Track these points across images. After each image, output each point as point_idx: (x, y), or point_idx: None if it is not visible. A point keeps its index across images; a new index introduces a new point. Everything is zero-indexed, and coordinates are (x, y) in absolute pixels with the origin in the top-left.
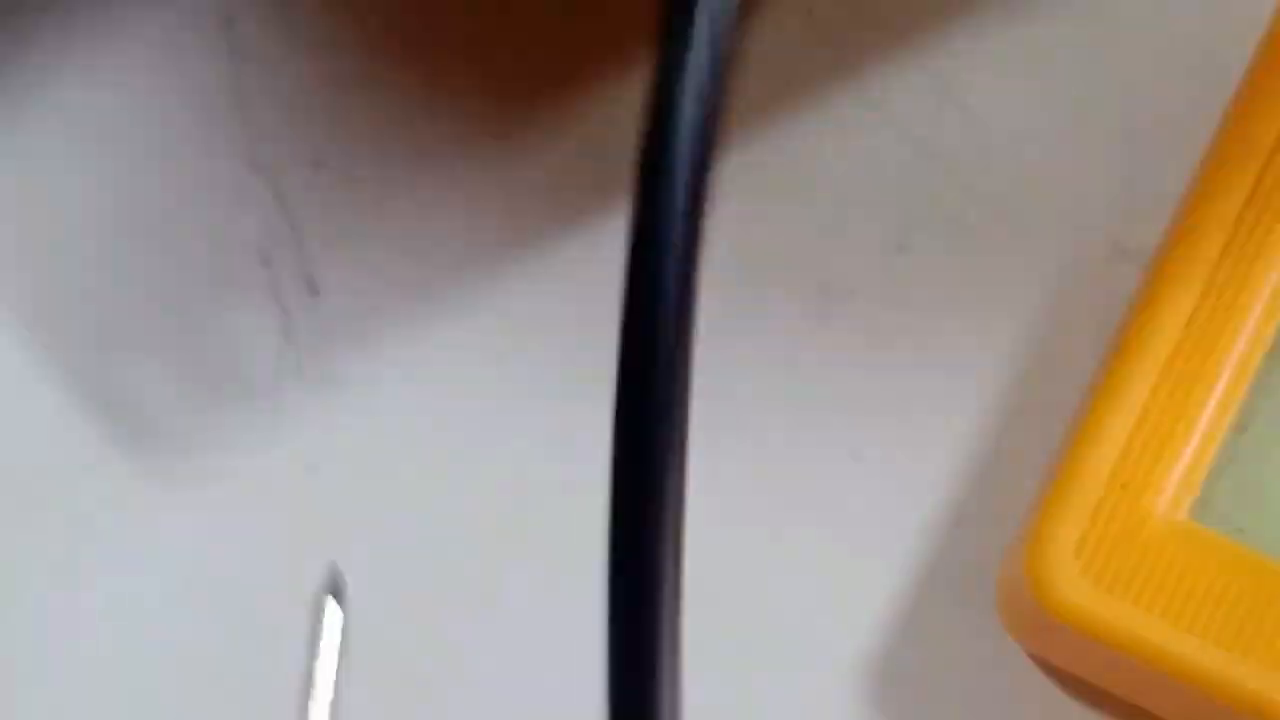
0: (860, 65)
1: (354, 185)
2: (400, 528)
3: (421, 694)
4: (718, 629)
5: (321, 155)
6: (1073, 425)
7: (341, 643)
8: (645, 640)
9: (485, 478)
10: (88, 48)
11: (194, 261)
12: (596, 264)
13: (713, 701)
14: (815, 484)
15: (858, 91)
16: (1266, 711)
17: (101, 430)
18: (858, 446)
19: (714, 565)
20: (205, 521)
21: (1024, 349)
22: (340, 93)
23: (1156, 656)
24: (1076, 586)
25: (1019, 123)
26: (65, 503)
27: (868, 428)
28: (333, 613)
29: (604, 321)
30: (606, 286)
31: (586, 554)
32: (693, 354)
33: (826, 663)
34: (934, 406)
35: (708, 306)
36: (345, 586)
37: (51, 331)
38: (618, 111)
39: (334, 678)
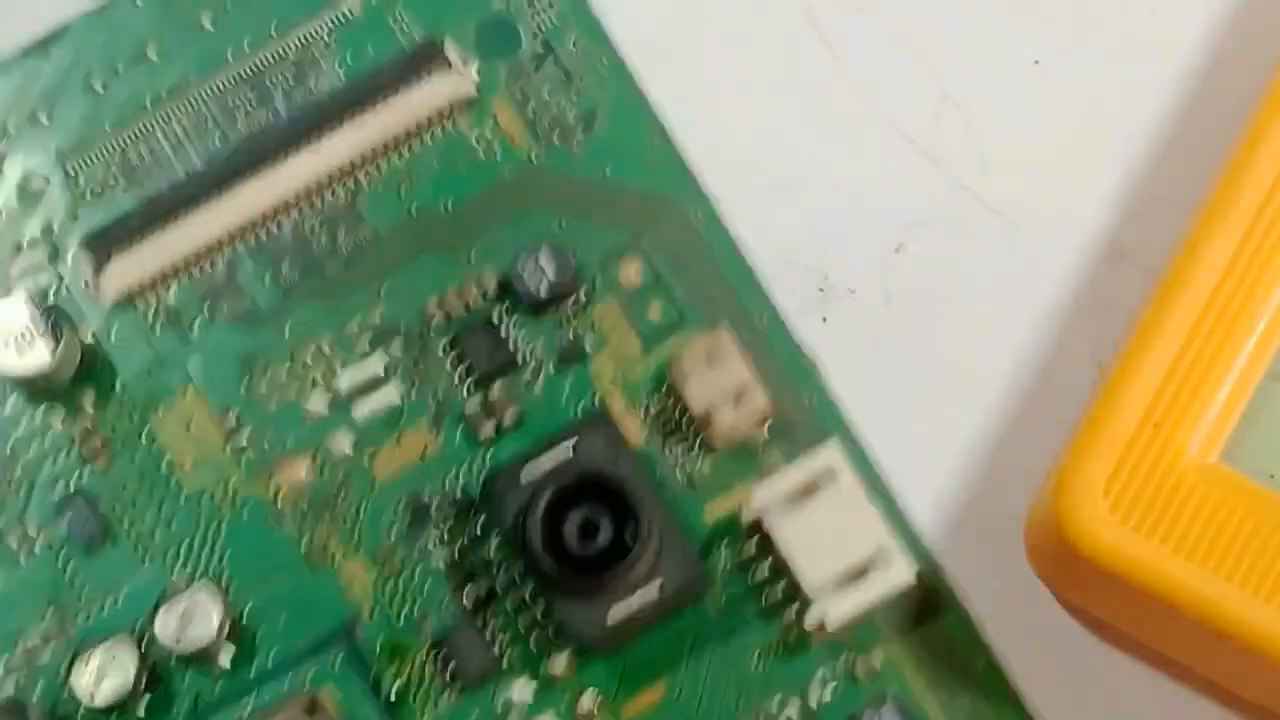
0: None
1: None
2: None
3: None
4: None
5: None
6: (1109, 364)
7: None
8: None
9: None
10: None
11: None
12: None
13: None
14: None
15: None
16: None
17: None
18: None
19: None
20: None
21: (1024, 349)
22: None
23: (1181, 597)
24: (1104, 524)
25: (1019, 123)
26: None
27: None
28: None
29: None
30: None
31: None
32: None
33: None
34: (932, 409)
35: None
36: None
37: None
38: None
39: None
